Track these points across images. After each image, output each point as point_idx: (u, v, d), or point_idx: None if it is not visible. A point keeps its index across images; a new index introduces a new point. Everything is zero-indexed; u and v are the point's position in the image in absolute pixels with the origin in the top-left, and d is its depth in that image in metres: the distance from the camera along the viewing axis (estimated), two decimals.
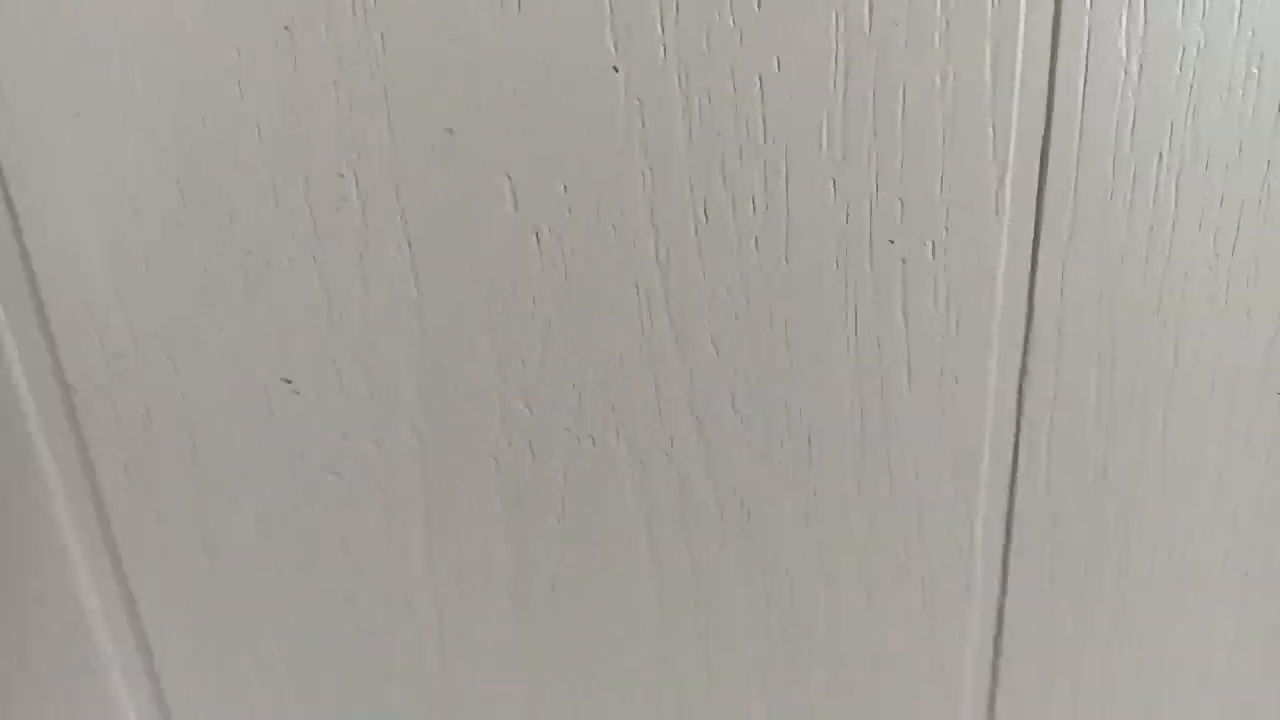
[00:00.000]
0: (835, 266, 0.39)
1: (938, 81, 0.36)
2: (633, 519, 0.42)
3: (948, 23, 0.35)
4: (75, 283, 0.35)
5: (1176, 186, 0.39)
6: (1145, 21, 0.36)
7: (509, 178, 0.36)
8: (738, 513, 0.42)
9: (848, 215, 0.38)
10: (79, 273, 0.35)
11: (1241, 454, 0.44)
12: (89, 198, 0.34)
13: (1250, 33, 0.37)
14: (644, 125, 0.35)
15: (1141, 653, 0.47)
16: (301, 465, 0.39)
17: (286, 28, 0.32)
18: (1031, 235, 0.40)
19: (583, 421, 0.40)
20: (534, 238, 0.37)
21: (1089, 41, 0.36)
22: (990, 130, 0.37)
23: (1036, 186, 0.39)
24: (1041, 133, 0.38)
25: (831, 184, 0.37)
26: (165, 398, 0.37)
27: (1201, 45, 0.37)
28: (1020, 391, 0.42)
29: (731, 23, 0.35)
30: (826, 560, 0.43)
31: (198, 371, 0.37)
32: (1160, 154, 0.39)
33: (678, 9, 0.34)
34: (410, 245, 0.36)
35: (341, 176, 0.35)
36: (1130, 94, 0.38)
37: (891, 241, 0.39)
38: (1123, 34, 0.36)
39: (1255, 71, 0.37)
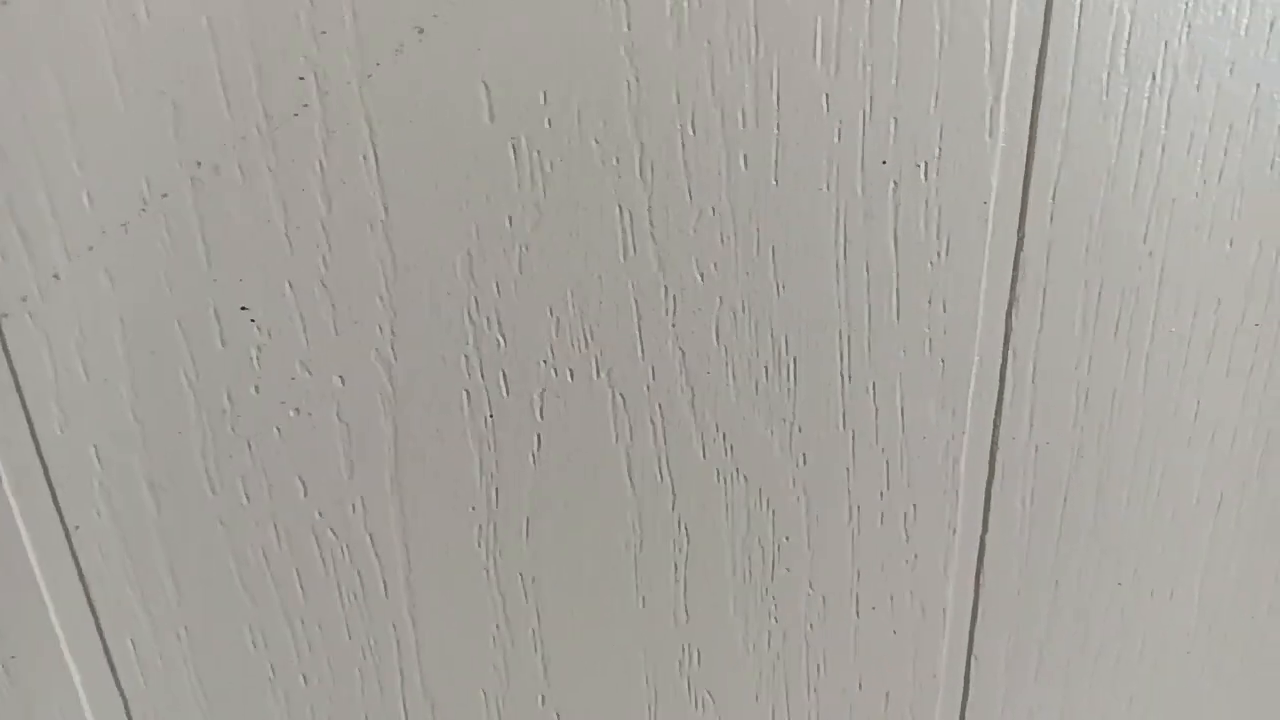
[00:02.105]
0: (826, 188, 0.37)
1: None
2: (612, 456, 0.40)
3: None
4: (2, 195, 0.31)
5: (1168, 108, 0.38)
6: None
7: (485, 84, 0.33)
8: (721, 447, 0.40)
9: (840, 133, 0.36)
10: (5, 183, 0.31)
11: (1220, 385, 0.44)
12: (13, 99, 0.31)
13: None
14: (629, 29, 0.33)
15: (1118, 583, 0.47)
16: (258, 400, 0.36)
17: None
18: (1024, 159, 0.38)
19: (560, 352, 0.37)
20: (511, 151, 0.34)
21: None
22: (987, 44, 0.36)
23: (1031, 105, 0.37)
24: (1038, 45, 0.36)
25: (824, 98, 0.36)
26: (103, 323, 0.34)
27: None
28: (1009, 321, 0.41)
29: None
30: (811, 496, 0.42)
31: (139, 295, 0.33)
32: (1154, 73, 0.38)
33: None
34: (376, 157, 0.33)
35: (301, 79, 0.32)
36: (1126, 9, 0.36)
37: (884, 162, 0.37)
38: None
39: None
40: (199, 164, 0.32)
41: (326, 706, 0.42)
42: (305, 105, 0.32)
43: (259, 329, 0.35)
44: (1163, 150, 0.39)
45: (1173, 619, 0.49)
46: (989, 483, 0.44)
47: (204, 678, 0.40)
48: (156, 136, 0.32)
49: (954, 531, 0.44)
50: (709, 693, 0.45)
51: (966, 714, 0.49)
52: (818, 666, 0.46)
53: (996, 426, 0.43)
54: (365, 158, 0.33)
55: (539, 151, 0.34)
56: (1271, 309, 0.43)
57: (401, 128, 0.33)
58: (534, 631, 0.42)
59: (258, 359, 0.35)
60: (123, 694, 0.40)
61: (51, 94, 0.31)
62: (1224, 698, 0.51)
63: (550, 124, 0.34)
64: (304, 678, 0.41)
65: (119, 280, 0.33)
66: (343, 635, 0.41)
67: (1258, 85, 0.39)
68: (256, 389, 0.36)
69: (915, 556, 0.44)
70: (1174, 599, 0.48)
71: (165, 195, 0.32)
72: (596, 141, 0.34)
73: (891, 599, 0.45)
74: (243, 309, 0.34)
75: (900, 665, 0.47)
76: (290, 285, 0.34)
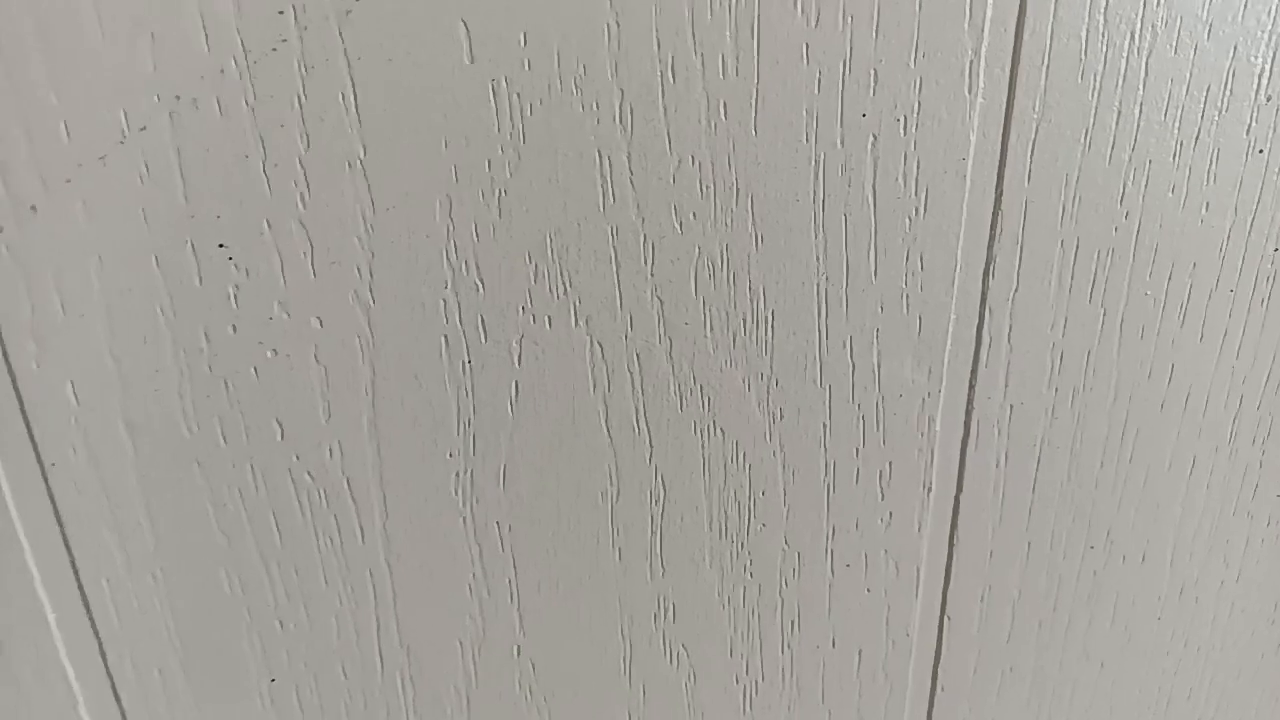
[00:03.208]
0: (805, 139, 0.37)
1: None
2: (589, 405, 0.40)
3: None
4: None
5: (1146, 68, 0.39)
6: None
7: (464, 24, 0.33)
8: (698, 400, 0.41)
9: (819, 83, 0.36)
10: None
11: (1194, 349, 0.44)
12: None
13: None
14: None
15: (1090, 546, 0.47)
16: (235, 340, 0.36)
17: None
18: (1003, 116, 0.39)
19: (539, 299, 0.38)
20: (490, 93, 0.34)
21: None
22: None
23: (1010, 61, 0.38)
24: (1018, 1, 0.36)
25: (804, 48, 0.36)
26: (80, 258, 0.34)
27: None
28: (986, 280, 0.41)
29: None
30: (787, 451, 0.42)
31: (116, 229, 0.33)
32: (1132, 32, 0.38)
33: None
34: (356, 96, 0.33)
35: (280, 13, 0.32)
36: None
37: (863, 115, 0.37)
38: None
39: None
40: (177, 98, 0.32)
41: (302, 652, 0.42)
42: (284, 40, 0.32)
43: (237, 267, 0.35)
44: (1140, 110, 0.39)
45: (1144, 583, 0.49)
46: (964, 442, 0.44)
47: (180, 621, 0.40)
48: (134, 69, 0.32)
49: (929, 490, 0.45)
50: (684, 646, 0.46)
51: (939, 673, 0.49)
52: (792, 623, 0.46)
53: (972, 386, 0.43)
54: (344, 95, 0.33)
55: (518, 94, 0.34)
56: (1245, 274, 0.43)
57: (380, 66, 0.33)
58: (510, 581, 0.43)
59: (235, 298, 0.35)
60: (98, 635, 0.40)
61: (26, 25, 0.31)
62: (1195, 663, 0.52)
63: (529, 66, 0.34)
64: (280, 623, 0.41)
65: (96, 214, 0.33)
66: (319, 581, 0.41)
67: (1234, 47, 0.39)
68: (234, 329, 0.36)
69: (890, 515, 0.45)
70: (1145, 563, 0.49)
71: (143, 128, 0.32)
72: (576, 85, 0.34)
73: (866, 557, 0.46)
74: (220, 246, 0.34)
75: (874, 623, 0.47)
76: (268, 224, 0.34)
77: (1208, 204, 0.42)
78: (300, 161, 0.34)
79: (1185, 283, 0.43)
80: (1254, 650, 0.53)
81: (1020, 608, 0.49)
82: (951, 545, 0.46)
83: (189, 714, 0.42)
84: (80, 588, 0.39)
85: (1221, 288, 0.44)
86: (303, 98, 0.33)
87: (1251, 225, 0.42)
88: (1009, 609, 0.48)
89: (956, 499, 0.45)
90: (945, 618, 0.48)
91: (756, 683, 0.47)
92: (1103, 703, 0.52)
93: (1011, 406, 0.44)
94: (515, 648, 0.44)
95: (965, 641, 0.49)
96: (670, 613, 0.45)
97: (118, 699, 0.41)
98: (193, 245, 0.34)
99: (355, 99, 0.33)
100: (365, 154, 0.34)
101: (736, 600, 0.45)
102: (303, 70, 0.32)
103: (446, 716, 0.45)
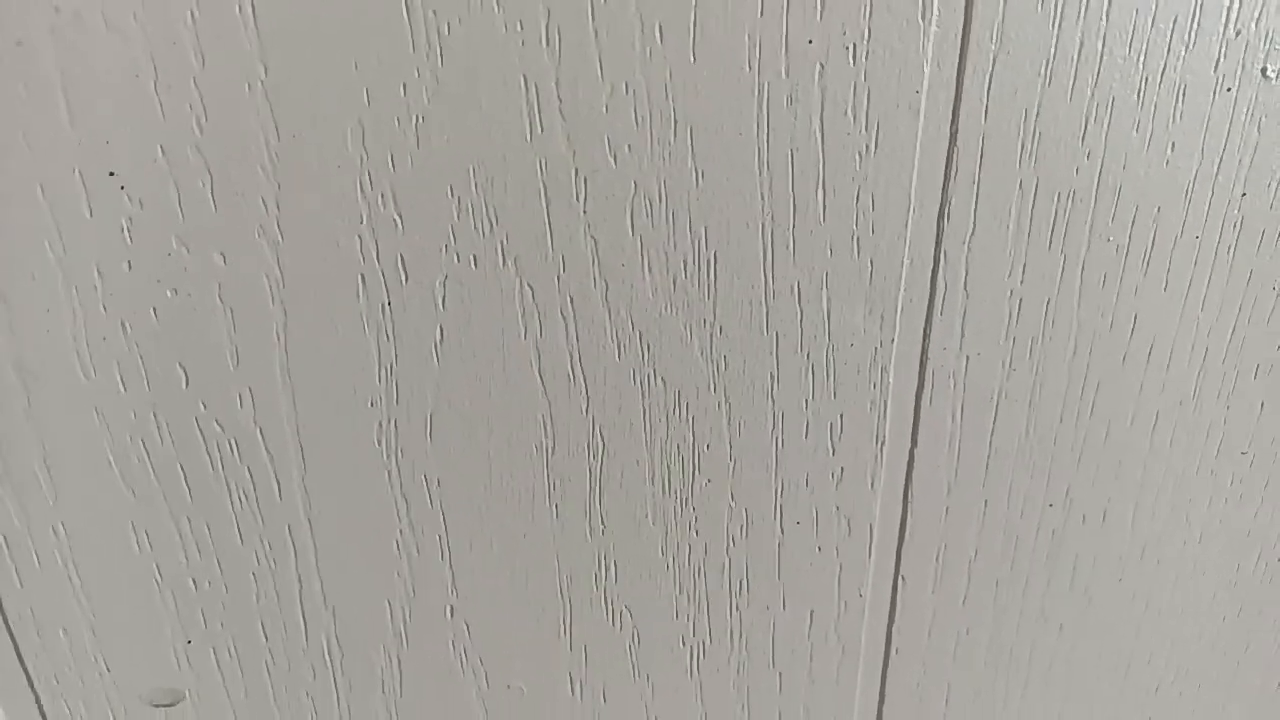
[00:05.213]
0: (747, 67, 0.35)
1: None
2: (520, 351, 0.38)
3: None
4: None
5: None
6: None
7: None
8: (637, 347, 0.39)
9: (762, 6, 0.34)
10: None
11: (1157, 299, 0.43)
12: None
13: None
14: None
15: (1049, 504, 0.46)
16: (131, 279, 0.33)
17: None
18: (958, 46, 0.36)
19: (462, 236, 0.35)
20: (404, 8, 0.32)
21: None
22: None
23: None
24: None
25: None
26: None
27: None
28: (940, 222, 0.39)
29: None
30: (732, 403, 0.40)
31: None
32: None
33: None
34: (254, 9, 0.31)
35: None
36: None
37: (810, 41, 0.35)
38: None
39: None
40: (58, 10, 0.30)
41: (219, 613, 0.40)
42: None
43: (129, 198, 0.32)
44: (1103, 43, 0.37)
45: (1104, 543, 0.48)
46: (918, 394, 0.42)
47: (86, 580, 0.38)
48: None
49: (881, 445, 0.43)
50: (626, 607, 0.44)
51: (893, 635, 0.48)
52: (740, 583, 0.45)
53: (927, 335, 0.41)
54: (240, 8, 0.30)
55: (434, 10, 0.32)
56: (1211, 220, 0.42)
57: None
58: (440, 538, 0.40)
59: (129, 231, 0.33)
60: None
61: None
62: (1155, 626, 0.51)
63: None
64: (194, 582, 0.39)
65: None
66: (234, 538, 0.39)
67: None
68: (129, 265, 0.33)
69: (841, 470, 0.43)
70: (1106, 522, 0.47)
71: (20, 44, 0.30)
72: (498, 3, 0.32)
73: (816, 514, 0.44)
74: (111, 175, 0.32)
75: (825, 584, 0.46)
76: (162, 150, 0.32)
77: (1173, 144, 0.40)
78: (195, 82, 0.31)
79: (1149, 228, 0.41)
80: (1215, 614, 0.51)
81: (977, 567, 0.47)
82: (906, 502, 0.44)
83: (100, 678, 0.40)
84: None
85: (1187, 234, 0.42)
86: (195, 11, 0.30)
87: (1219, 168, 0.41)
88: (965, 569, 0.47)
89: (911, 454, 0.44)
90: (899, 578, 0.46)
91: (703, 645, 0.46)
92: (1061, 666, 0.51)
93: (968, 357, 0.42)
94: (448, 608, 0.42)
95: (920, 602, 0.47)
96: (611, 572, 0.43)
97: (21, 662, 0.39)
98: (80, 173, 0.32)
99: (254, 13, 0.31)
100: (267, 74, 0.31)
101: (681, 559, 0.44)
102: None
103: (376, 679, 0.43)
